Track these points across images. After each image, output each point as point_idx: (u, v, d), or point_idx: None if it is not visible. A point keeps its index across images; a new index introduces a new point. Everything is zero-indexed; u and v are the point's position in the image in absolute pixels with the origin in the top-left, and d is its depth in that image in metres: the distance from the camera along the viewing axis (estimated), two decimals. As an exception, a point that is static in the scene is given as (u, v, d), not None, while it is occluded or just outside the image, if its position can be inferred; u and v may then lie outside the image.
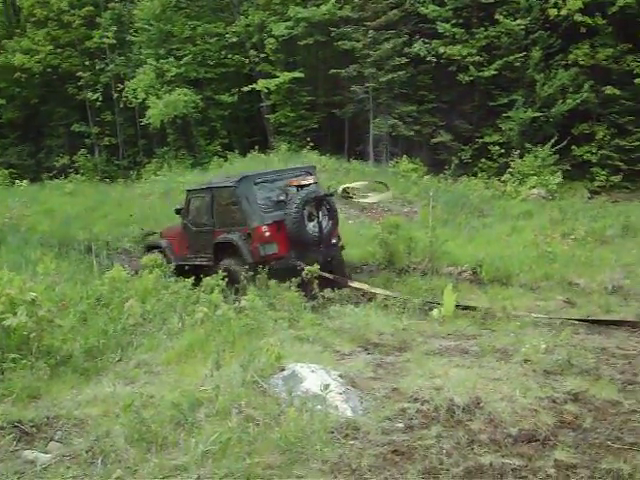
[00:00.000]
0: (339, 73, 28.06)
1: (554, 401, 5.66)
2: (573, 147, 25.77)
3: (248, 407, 5.32)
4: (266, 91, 29.75)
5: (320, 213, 12.13)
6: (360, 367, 6.65)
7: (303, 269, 10.73)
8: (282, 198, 11.92)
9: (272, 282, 10.15)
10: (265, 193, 12.13)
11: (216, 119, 31.95)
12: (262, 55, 30.66)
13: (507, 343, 7.51)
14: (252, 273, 10.84)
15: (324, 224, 12.14)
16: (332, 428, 5.14)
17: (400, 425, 5.31)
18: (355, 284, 11.58)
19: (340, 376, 6.14)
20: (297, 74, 28.87)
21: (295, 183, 12.07)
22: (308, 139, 27.19)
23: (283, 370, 6.06)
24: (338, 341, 7.79)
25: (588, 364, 6.65)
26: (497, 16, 26.59)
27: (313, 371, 6.05)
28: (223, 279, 10.16)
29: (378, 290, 11.06)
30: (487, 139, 26.85)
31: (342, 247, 12.82)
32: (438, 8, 27.41)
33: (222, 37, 31.53)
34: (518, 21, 26.28)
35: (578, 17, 25.62)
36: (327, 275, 11.29)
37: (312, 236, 11.97)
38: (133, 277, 10.23)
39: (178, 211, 13.45)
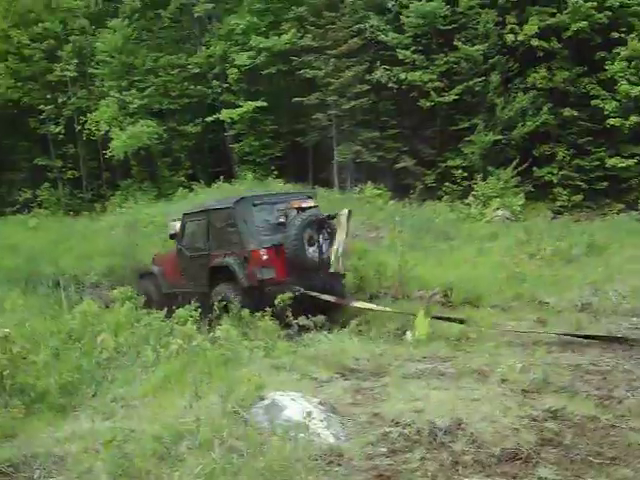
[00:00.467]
0: (302, 101, 28.25)
1: (534, 419, 5.72)
2: (534, 168, 26.20)
3: (230, 438, 5.29)
4: (230, 121, 29.83)
5: (321, 237, 11.82)
6: (339, 393, 6.65)
7: (302, 294, 10.64)
8: (282, 220, 11.63)
9: (245, 311, 10.08)
10: (264, 215, 11.88)
11: (180, 150, 31.91)
12: (225, 85, 30.76)
13: (483, 364, 7.56)
14: (247, 299, 10.69)
15: (324, 248, 11.83)
16: (316, 455, 5.13)
17: (383, 449, 5.31)
18: (359, 304, 11.25)
19: (320, 403, 6.13)
20: (260, 103, 29.00)
21: (296, 205, 11.83)
22: (273, 167, 27.32)
23: (263, 399, 6.03)
24: (315, 368, 7.76)
25: (564, 381, 6.74)
26: (456, 42, 27.04)
27: (293, 399, 6.04)
28: (196, 309, 10.02)
29: (387, 308, 10.88)
30: (450, 163, 27.16)
31: (343, 274, 12.33)
32: (398, 35, 27.81)
33: (184, 68, 31.58)
34: (476, 47, 26.75)
35: (535, 42, 26.18)
36: (328, 297, 11.11)
37: (312, 261, 11.67)
38: (104, 311, 10.13)
39: (172, 236, 13.13)
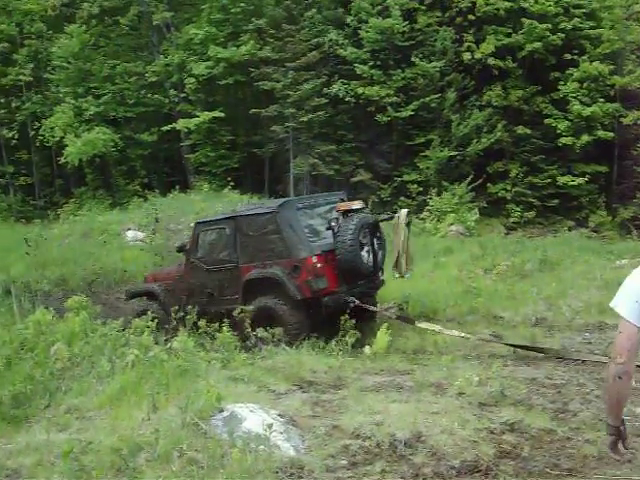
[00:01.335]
0: (259, 113, 28.25)
1: (492, 432, 5.78)
2: (488, 185, 26.59)
3: (190, 450, 5.23)
4: (186, 131, 29.70)
5: (375, 241, 10.96)
6: (298, 406, 6.62)
7: (355, 305, 10.06)
8: (334, 224, 10.49)
9: (202, 322, 9.97)
10: (307, 220, 10.85)
11: (135, 158, 31.67)
12: (182, 95, 30.66)
13: (440, 377, 7.61)
14: (297, 313, 10.10)
15: (379, 254, 11.03)
16: (276, 468, 5.10)
17: (344, 462, 5.31)
18: (423, 325, 10.42)
19: (279, 415, 6.10)
20: (217, 114, 28.92)
21: (343, 208, 10.86)
22: (229, 179, 27.19)
23: (222, 411, 5.98)
24: (273, 380, 7.72)
25: (520, 395, 6.82)
26: (413, 58, 27.37)
27: (252, 411, 6.00)
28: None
29: (453, 332, 10.09)
30: (405, 178, 27.40)
31: (383, 281, 11.60)
32: (356, 50, 28.03)
33: (142, 76, 31.40)
34: (433, 63, 27.10)
35: (491, 60, 26.63)
36: (390, 313, 10.70)
37: (367, 267, 10.72)
38: (58, 320, 9.94)
39: (181, 249, 11.89)
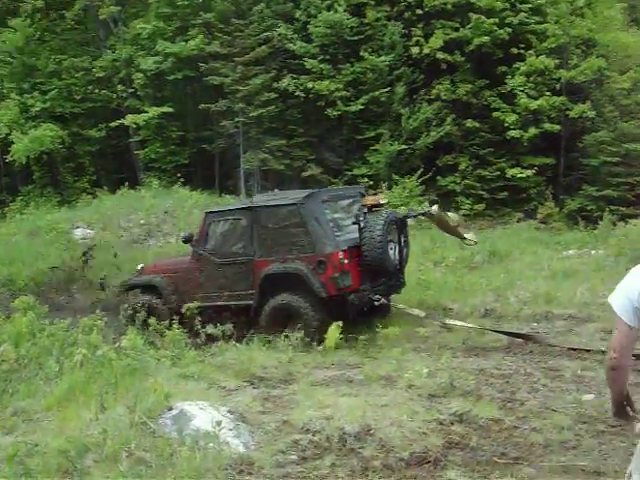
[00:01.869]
0: (209, 108, 28.02)
1: (441, 423, 5.85)
2: (438, 178, 26.79)
3: (138, 449, 5.19)
4: (135, 126, 29.30)
5: (402, 237, 10.66)
6: (248, 402, 6.62)
7: (381, 303, 9.93)
8: (361, 219, 10.06)
9: (152, 320, 9.87)
10: (331, 213, 10.41)
11: (84, 155, 31.15)
12: (130, 90, 30.22)
13: (390, 370, 7.67)
14: (320, 311, 9.74)
15: (405, 251, 10.75)
16: (226, 465, 5.10)
17: (294, 457, 5.33)
18: (451, 322, 10.23)
19: (229, 412, 6.09)
20: (166, 109, 28.62)
21: (370, 202, 10.47)
22: (179, 175, 26.90)
23: (171, 409, 5.94)
24: (223, 377, 7.71)
25: (469, 385, 6.92)
26: (362, 53, 27.40)
27: (202, 408, 5.98)
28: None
29: (474, 325, 9.97)
30: (356, 172, 27.43)
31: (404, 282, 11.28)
32: (305, 45, 27.97)
33: (89, 71, 30.83)
34: (382, 58, 27.17)
35: (439, 54, 26.84)
36: (418, 312, 10.34)
37: (394, 265, 10.42)
38: (4, 321, 9.77)
39: (187, 240, 11.14)
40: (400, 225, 10.58)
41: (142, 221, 20.50)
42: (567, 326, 10.00)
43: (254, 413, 6.27)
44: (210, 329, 9.42)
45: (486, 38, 26.51)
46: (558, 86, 26.75)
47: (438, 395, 6.60)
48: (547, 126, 26.14)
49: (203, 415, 5.81)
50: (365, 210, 10.28)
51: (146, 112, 28.70)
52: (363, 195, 11.17)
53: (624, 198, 25.46)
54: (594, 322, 9.96)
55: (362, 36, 27.84)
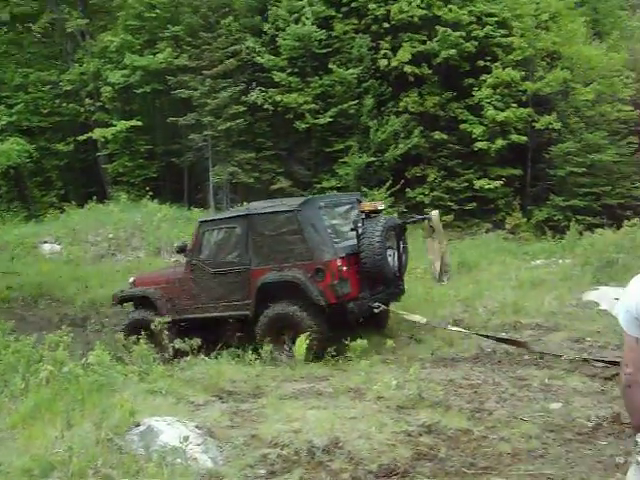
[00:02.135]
0: (177, 121, 27.93)
1: (409, 434, 5.86)
2: (407, 190, 26.92)
3: (105, 467, 5.13)
4: (103, 140, 29.14)
5: (401, 244, 10.47)
6: (216, 416, 6.58)
7: (381, 310, 9.78)
8: (359, 225, 9.86)
9: (120, 335, 9.78)
10: (329, 220, 10.17)
11: (51, 169, 30.92)
12: (98, 103, 30.03)
13: (359, 382, 7.68)
14: (318, 320, 9.53)
15: (403, 258, 10.53)
16: (193, 480, 5.05)
17: (262, 471, 5.30)
18: (455, 329, 10.13)
19: (197, 427, 6.04)
20: (135, 122, 28.48)
21: (368, 208, 10.25)
22: (147, 188, 26.74)
23: (138, 425, 5.88)
24: (191, 392, 7.66)
25: (438, 396, 6.94)
26: (331, 65, 27.51)
27: (169, 424, 5.92)
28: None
29: (482, 334, 9.85)
30: (325, 184, 27.47)
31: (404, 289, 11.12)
32: (274, 58, 28.02)
33: (56, 85, 30.62)
34: (350, 70, 27.30)
35: (407, 67, 27.03)
36: (418, 318, 10.16)
37: (393, 272, 10.20)
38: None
39: (181, 249, 10.99)
40: (399, 231, 10.44)
41: (110, 235, 20.35)
42: (535, 335, 10.07)
43: (222, 428, 6.23)
44: (179, 343, 9.32)
45: (453, 51, 26.78)
46: (524, 98, 27.08)
47: (407, 406, 6.60)
48: (514, 137, 26.41)
49: (170, 431, 5.76)
50: (363, 216, 10.10)
51: (114, 126, 28.55)
52: (360, 202, 11.01)
53: (590, 208, 25.81)
54: (561, 331, 10.05)
55: (330, 49, 27.98)
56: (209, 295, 10.47)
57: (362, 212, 10.20)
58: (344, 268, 9.62)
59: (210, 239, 10.62)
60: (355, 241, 9.92)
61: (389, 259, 10.07)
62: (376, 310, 9.89)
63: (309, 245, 9.74)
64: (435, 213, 11.09)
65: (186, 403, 7.14)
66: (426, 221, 11.14)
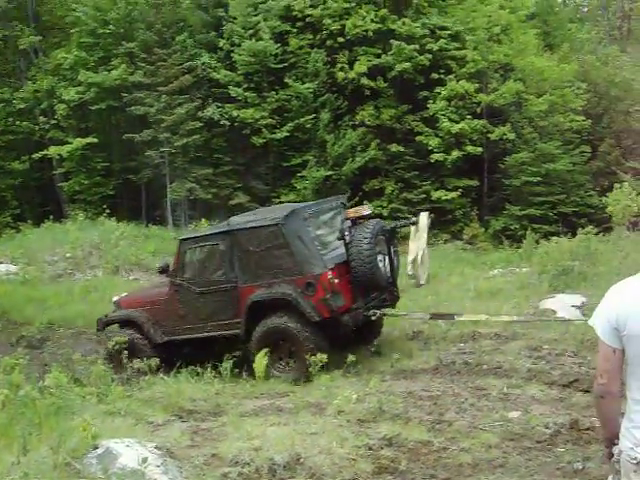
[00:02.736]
0: (133, 138, 27.77)
1: (370, 448, 5.86)
2: (365, 202, 27.00)
3: (62, 491, 5.05)
4: (58, 158, 28.84)
5: (392, 249, 10.05)
6: (176, 436, 6.51)
7: (377, 317, 9.52)
8: (347, 234, 9.38)
9: (77, 355, 9.64)
10: (314, 230, 9.71)
11: (6, 189, 30.46)
12: (53, 121, 29.74)
13: (319, 397, 7.67)
14: (314, 335, 9.12)
15: (395, 263, 10.10)
16: (153, 502, 4.99)
17: (223, 491, 5.26)
18: (464, 317, 9.97)
19: (156, 448, 5.97)
20: (90, 140, 28.24)
21: (352, 214, 9.80)
22: (105, 206, 26.50)
23: (97, 448, 5.79)
24: (151, 412, 7.57)
25: (398, 409, 6.95)
26: (287, 80, 27.63)
27: (128, 446, 5.84)
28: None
29: (503, 317, 9.82)
30: (283, 198, 27.49)
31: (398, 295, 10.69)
32: (229, 73, 28.07)
33: (9, 103, 30.26)
34: (307, 85, 27.45)
35: (363, 80, 27.24)
36: (420, 315, 10.02)
37: (385, 278, 9.81)
38: None
39: (164, 270, 10.37)
40: (388, 235, 10.02)
41: (68, 255, 20.05)
42: (493, 345, 10.14)
43: (182, 448, 6.16)
44: (137, 363, 9.23)
45: (407, 64, 27.08)
46: (479, 110, 27.47)
47: (367, 420, 6.61)
48: (469, 149, 26.76)
49: (129, 452, 5.68)
50: (349, 224, 9.65)
51: (70, 143, 28.27)
52: (345, 205, 10.66)
53: (546, 216, 26.20)
54: (519, 340, 10.13)
55: (286, 64, 28.12)
56: (197, 315, 10.04)
57: (348, 219, 9.77)
58: (335, 280, 9.21)
59: (193, 257, 10.19)
60: (343, 250, 9.55)
61: (380, 265, 9.67)
62: (373, 318, 9.63)
63: (297, 259, 9.33)
64: (424, 214, 10.71)
65: (145, 423, 7.05)
66: (418, 219, 10.81)
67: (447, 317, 10.27)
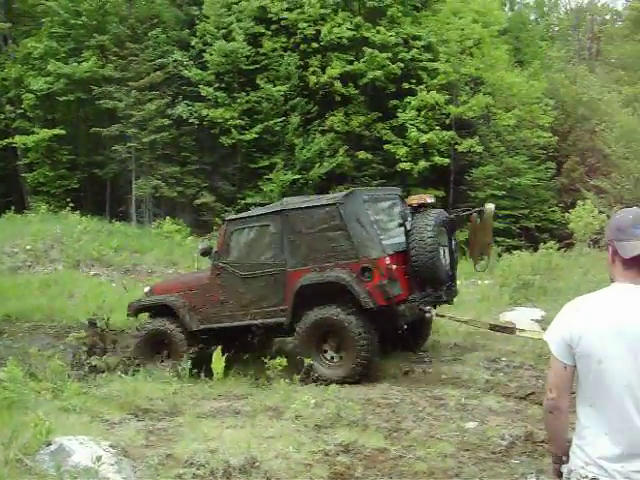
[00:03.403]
0: (101, 132, 27.49)
1: (326, 454, 5.86)
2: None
3: (12, 488, 4.96)
4: (23, 148, 28.42)
5: (453, 241, 9.56)
6: (131, 435, 6.45)
7: (430, 315, 9.04)
8: (408, 220, 8.94)
9: (33, 349, 9.50)
10: (373, 215, 9.16)
11: (-34, 178, 29.97)
12: (19, 111, 29.27)
13: (277, 401, 7.64)
14: (366, 325, 8.62)
15: (455, 256, 9.58)
16: (105, 501, 4.93)
17: (176, 492, 5.21)
18: (530, 334, 9.39)
19: (111, 446, 5.91)
20: (57, 131, 27.87)
21: (416, 201, 9.32)
22: (68, 199, 26.17)
23: (50, 445, 5.71)
24: (107, 409, 7.49)
25: (356, 415, 6.95)
26: (258, 82, 27.57)
27: (82, 443, 5.77)
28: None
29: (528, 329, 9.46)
30: (249, 200, 27.38)
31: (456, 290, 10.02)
32: (201, 72, 27.93)
33: (-25, 91, 29.79)
34: (278, 87, 27.42)
35: (335, 86, 27.28)
36: (502, 327, 9.45)
37: (446, 271, 9.28)
38: None
39: (206, 252, 9.99)
40: (449, 226, 9.51)
41: (28, 247, 19.77)
42: (453, 355, 10.22)
43: (137, 447, 6.10)
44: (95, 360, 9.13)
45: (379, 72, 27.19)
46: (448, 121, 27.66)
47: (325, 426, 6.61)
48: (437, 159, 26.92)
49: (83, 450, 5.61)
50: (409, 211, 9.19)
51: (36, 134, 27.88)
52: (401, 197, 10.18)
53: (509, 230, 26.44)
54: (478, 351, 10.22)
55: (258, 65, 28.05)
56: (239, 301, 9.51)
57: (409, 206, 9.30)
58: (393, 267, 8.68)
59: (239, 239, 9.62)
60: (402, 238, 9.06)
61: (441, 257, 9.14)
62: (428, 315, 9.21)
63: (354, 242, 8.79)
64: (491, 206, 10.13)
65: (101, 421, 6.98)
66: (474, 214, 10.07)
67: (508, 330, 9.79)
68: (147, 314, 10.44)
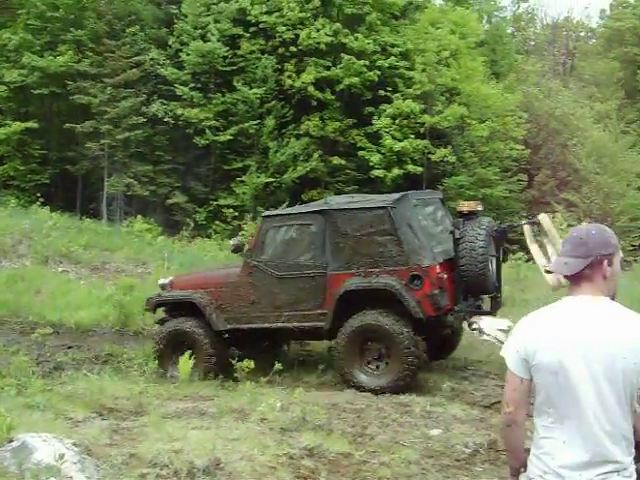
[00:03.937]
0: (74, 128, 27.23)
1: (291, 457, 5.86)
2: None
3: (-29, 485, 4.91)
4: (-7, 140, 28.10)
5: (501, 251, 9.33)
6: (95, 434, 6.39)
7: (476, 327, 8.73)
8: (460, 227, 8.69)
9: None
10: (422, 220, 8.88)
11: None
12: (-9, 103, 28.96)
13: (243, 403, 7.63)
14: (415, 335, 8.30)
15: (501, 267, 9.35)
16: (67, 500, 4.89)
17: (139, 492, 5.19)
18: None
19: (74, 444, 5.85)
20: (30, 125, 27.57)
21: (467, 208, 9.01)
22: (39, 194, 25.89)
23: (12, 441, 5.65)
24: (71, 407, 7.42)
25: (321, 420, 6.97)
26: (235, 83, 27.54)
27: (45, 441, 5.71)
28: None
29: None
30: (221, 202, 27.40)
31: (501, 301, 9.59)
32: (177, 71, 27.85)
33: (-54, 81, 29.35)
34: (254, 90, 27.42)
35: (310, 91, 27.34)
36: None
37: (493, 282, 8.98)
38: None
39: (238, 248, 9.43)
40: (499, 237, 9.22)
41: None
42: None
43: (101, 446, 6.06)
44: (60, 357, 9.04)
45: (356, 79, 27.32)
46: (422, 130, 27.85)
47: (290, 429, 6.61)
48: (410, 167, 27.09)
49: (46, 448, 5.56)
50: (459, 218, 8.98)
51: (8, 126, 27.55)
52: (442, 201, 10.00)
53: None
54: (445, 359, 10.29)
55: (235, 67, 28.03)
56: (272, 302, 9.07)
57: (459, 213, 9.06)
58: (444, 276, 8.43)
59: (276, 237, 9.17)
60: (448, 245, 8.83)
61: (490, 267, 8.84)
62: (474, 326, 8.94)
63: (404, 248, 8.44)
64: (544, 216, 9.70)
65: (65, 419, 6.91)
66: (526, 226, 9.68)
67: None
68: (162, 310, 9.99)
